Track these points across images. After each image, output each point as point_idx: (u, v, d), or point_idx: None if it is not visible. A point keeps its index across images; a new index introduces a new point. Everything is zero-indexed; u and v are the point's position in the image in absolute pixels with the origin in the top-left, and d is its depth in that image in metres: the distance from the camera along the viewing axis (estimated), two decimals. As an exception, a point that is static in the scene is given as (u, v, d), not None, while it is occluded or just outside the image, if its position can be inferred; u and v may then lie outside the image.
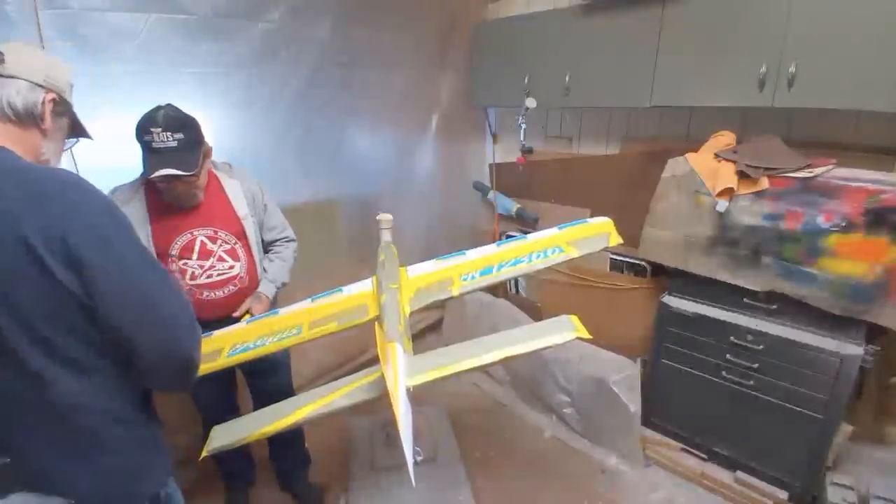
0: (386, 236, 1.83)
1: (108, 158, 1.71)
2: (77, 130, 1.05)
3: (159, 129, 1.36)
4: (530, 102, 2.58)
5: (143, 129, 1.38)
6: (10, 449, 0.88)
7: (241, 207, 1.64)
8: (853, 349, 1.77)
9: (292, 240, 1.83)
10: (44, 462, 0.88)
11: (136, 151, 1.42)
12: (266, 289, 1.69)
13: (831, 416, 1.84)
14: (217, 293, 1.61)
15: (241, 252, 1.64)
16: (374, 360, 1.20)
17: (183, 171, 1.39)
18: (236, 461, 1.99)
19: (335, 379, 1.33)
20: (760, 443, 2.03)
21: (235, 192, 1.64)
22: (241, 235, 1.64)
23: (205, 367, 1.36)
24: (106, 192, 1.51)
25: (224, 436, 1.27)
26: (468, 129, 3.35)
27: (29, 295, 0.79)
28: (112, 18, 1.71)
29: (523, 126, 2.70)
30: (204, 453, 1.25)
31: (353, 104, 2.60)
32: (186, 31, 1.90)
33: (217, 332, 1.49)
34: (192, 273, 1.57)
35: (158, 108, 1.40)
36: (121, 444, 0.93)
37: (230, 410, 1.84)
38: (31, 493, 0.90)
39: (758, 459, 2.05)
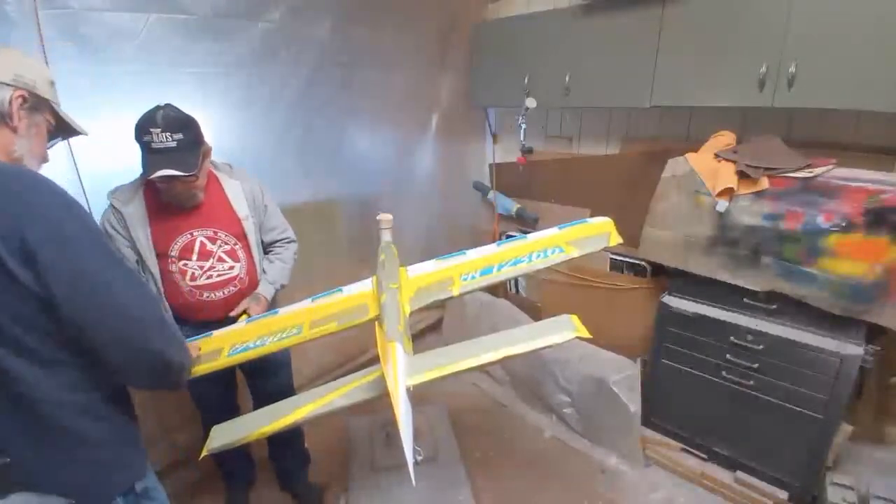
0: (386, 236, 1.83)
1: (108, 158, 1.72)
2: (65, 128, 1.06)
3: (158, 130, 1.36)
4: (530, 102, 2.58)
5: (143, 130, 1.37)
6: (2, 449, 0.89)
7: (242, 208, 1.63)
8: (853, 349, 1.77)
9: (293, 241, 1.83)
10: (21, 456, 0.89)
11: (137, 151, 1.42)
12: (265, 290, 1.68)
13: (831, 416, 1.83)
14: (217, 294, 1.61)
15: (240, 253, 1.63)
16: (375, 360, 1.20)
17: (182, 171, 1.38)
18: (236, 461, 1.99)
19: (335, 379, 1.33)
20: (760, 443, 2.03)
21: (236, 193, 1.63)
22: (241, 236, 1.64)
23: (205, 367, 1.36)
24: (106, 192, 1.53)
25: (224, 435, 1.27)
26: (468, 129, 3.35)
27: None
28: (112, 18, 1.71)
29: (523, 126, 2.70)
30: (204, 453, 1.25)
31: (353, 104, 2.60)
32: (186, 31, 1.89)
33: (217, 332, 1.49)
34: (192, 274, 1.56)
35: (157, 108, 1.39)
36: (91, 437, 0.94)
37: (230, 410, 1.83)
38: (31, 493, 0.90)
39: (758, 459, 2.05)
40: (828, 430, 1.86)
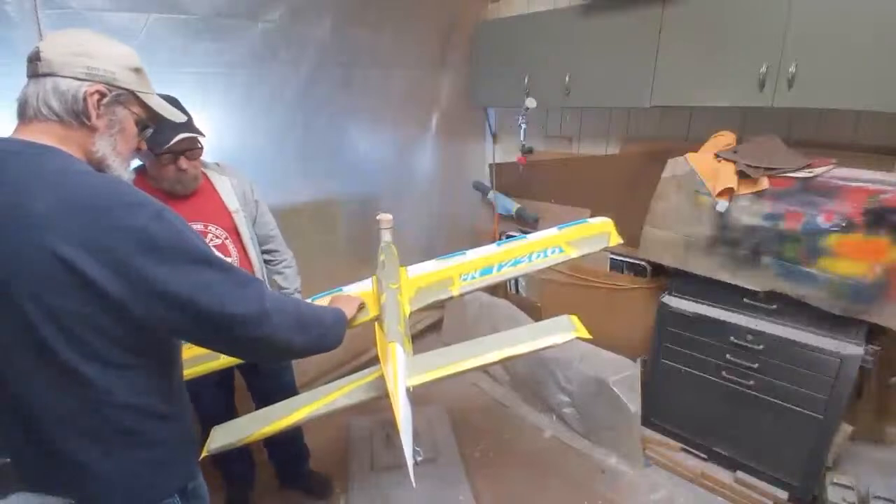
0: (386, 236, 1.83)
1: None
2: (155, 116, 0.98)
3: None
4: (530, 102, 2.58)
5: None
6: (45, 444, 0.87)
7: (232, 202, 1.64)
8: (853, 349, 1.77)
9: (286, 257, 1.86)
10: (79, 457, 0.87)
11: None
12: None
13: (831, 416, 1.83)
14: None
15: (231, 248, 1.64)
16: (375, 360, 1.20)
17: (198, 133, 1.46)
18: (237, 462, 1.99)
19: (335, 379, 1.33)
20: (760, 443, 2.03)
21: (225, 188, 1.64)
22: (232, 230, 1.64)
23: (205, 367, 1.36)
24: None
25: (224, 436, 1.27)
26: (468, 129, 3.35)
27: (68, 303, 0.77)
28: (112, 18, 1.71)
29: (523, 126, 2.70)
30: (204, 453, 1.25)
31: (353, 104, 2.60)
32: (186, 30, 1.89)
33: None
34: None
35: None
36: (153, 439, 0.93)
37: (228, 412, 1.84)
38: (31, 492, 0.90)
39: (758, 459, 2.05)
40: (828, 430, 1.85)
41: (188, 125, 1.44)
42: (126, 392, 0.86)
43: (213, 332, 0.86)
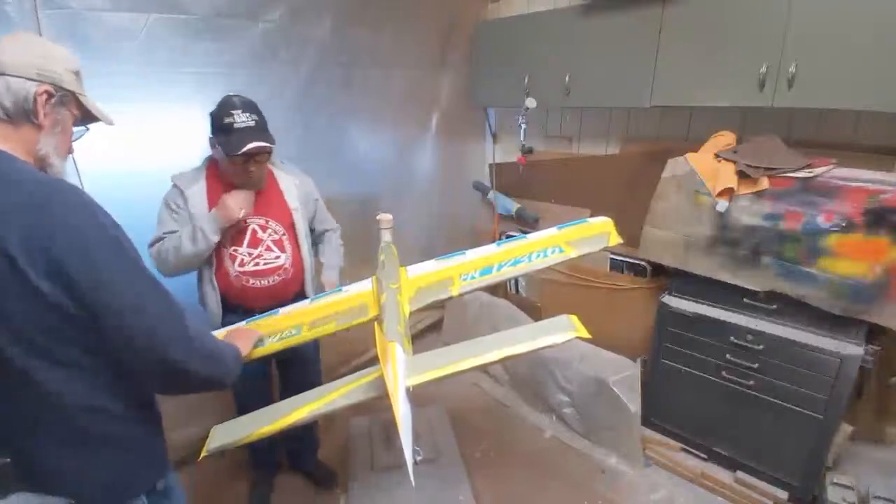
0: (386, 236, 1.83)
1: (109, 159, 1.71)
2: (89, 117, 1.01)
3: (239, 111, 1.50)
4: (530, 102, 2.58)
5: (224, 113, 1.50)
6: (17, 449, 0.89)
7: (293, 200, 1.73)
8: (853, 349, 1.77)
9: (337, 228, 1.99)
10: (46, 459, 0.89)
11: (137, 150, 1.43)
12: (329, 276, 1.83)
13: (831, 416, 1.83)
14: (262, 282, 1.66)
15: (287, 244, 1.70)
16: (375, 360, 1.19)
17: (268, 142, 1.53)
18: (266, 451, 2.07)
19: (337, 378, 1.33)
20: (760, 443, 2.03)
21: (288, 185, 1.74)
22: (290, 227, 1.72)
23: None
24: (104, 191, 1.53)
25: (224, 435, 1.26)
26: (468, 129, 3.35)
27: (16, 305, 0.79)
28: (112, 18, 1.71)
29: (523, 126, 2.70)
30: (203, 453, 1.24)
31: (353, 104, 2.60)
32: (186, 31, 1.89)
33: (217, 332, 1.49)
34: (241, 260, 1.64)
35: (229, 95, 1.54)
36: (116, 439, 0.94)
37: (265, 400, 1.85)
38: (31, 492, 0.91)
39: (758, 459, 2.05)
40: (828, 430, 1.85)
41: (261, 133, 1.52)
42: (82, 393, 0.88)
43: (129, 341, 0.86)
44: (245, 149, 1.48)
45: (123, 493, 0.96)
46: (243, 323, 1.53)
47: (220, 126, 1.51)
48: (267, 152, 1.57)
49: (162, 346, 0.88)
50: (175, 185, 1.62)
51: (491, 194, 3.25)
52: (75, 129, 0.99)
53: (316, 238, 1.92)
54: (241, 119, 1.49)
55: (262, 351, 1.40)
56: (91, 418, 0.90)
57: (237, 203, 1.54)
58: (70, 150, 0.99)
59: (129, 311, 0.84)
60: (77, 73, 0.96)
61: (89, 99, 0.99)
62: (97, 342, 0.85)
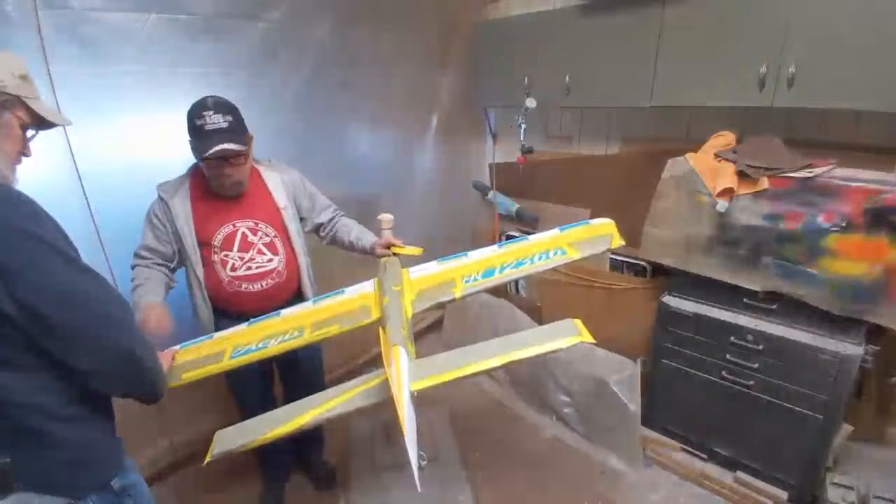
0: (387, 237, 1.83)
1: (109, 159, 1.71)
2: (42, 121, 1.01)
3: (210, 112, 1.44)
4: (530, 102, 2.57)
5: (195, 114, 1.44)
6: None
7: (281, 198, 1.69)
8: (853, 349, 1.77)
9: (342, 212, 1.95)
10: (2, 460, 0.89)
11: (137, 150, 1.43)
12: (383, 235, 1.76)
13: (831, 416, 1.84)
14: (255, 286, 1.64)
15: (279, 246, 1.67)
16: (375, 361, 1.19)
17: (236, 144, 1.47)
18: (278, 453, 2.04)
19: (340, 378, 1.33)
20: (760, 443, 2.04)
21: (275, 184, 1.69)
22: (281, 228, 1.68)
23: (208, 369, 1.36)
24: (106, 192, 1.53)
25: (226, 441, 1.25)
26: (468, 129, 3.34)
27: None
28: (112, 18, 1.71)
29: (523, 126, 2.70)
30: (208, 458, 1.23)
31: (353, 104, 2.60)
32: (186, 31, 1.89)
33: (218, 334, 1.49)
34: (233, 265, 1.61)
35: (205, 96, 1.48)
36: (61, 439, 0.94)
37: (267, 401, 1.87)
38: (31, 493, 0.91)
39: (758, 459, 2.06)
40: (828, 430, 1.86)
41: (232, 135, 1.47)
42: (27, 392, 0.88)
43: (77, 332, 0.87)
44: (211, 151, 1.42)
45: (74, 492, 0.96)
46: (244, 325, 1.52)
47: (192, 127, 1.47)
48: (239, 155, 1.52)
49: (113, 332, 0.91)
50: (160, 197, 1.58)
51: (491, 194, 3.25)
52: (29, 133, 0.99)
53: (329, 228, 1.87)
54: (213, 120, 1.44)
55: (264, 353, 1.40)
56: (37, 418, 0.90)
57: (156, 321, 1.38)
58: (23, 154, 0.99)
59: (77, 301, 0.86)
60: (24, 77, 0.96)
61: (41, 102, 1.00)
62: (37, 341, 0.86)
